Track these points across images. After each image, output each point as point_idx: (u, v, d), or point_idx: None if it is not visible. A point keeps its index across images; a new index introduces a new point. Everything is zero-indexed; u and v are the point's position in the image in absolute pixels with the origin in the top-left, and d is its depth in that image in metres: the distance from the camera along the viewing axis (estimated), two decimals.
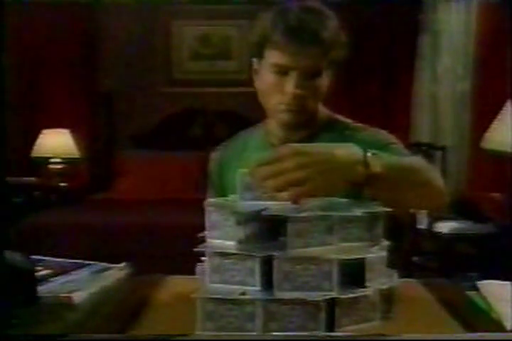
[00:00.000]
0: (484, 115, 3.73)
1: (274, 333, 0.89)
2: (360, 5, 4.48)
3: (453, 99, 4.52)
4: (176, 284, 1.23)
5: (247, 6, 4.54)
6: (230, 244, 0.94)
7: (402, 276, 1.04)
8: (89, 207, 4.08)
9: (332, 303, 0.89)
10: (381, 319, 0.94)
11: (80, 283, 1.15)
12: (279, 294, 0.89)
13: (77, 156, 4.83)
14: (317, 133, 1.49)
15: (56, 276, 1.19)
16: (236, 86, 4.72)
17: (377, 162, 1.02)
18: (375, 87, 4.92)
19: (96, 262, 1.30)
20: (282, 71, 1.40)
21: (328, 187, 0.96)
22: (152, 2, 5.00)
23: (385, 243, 0.98)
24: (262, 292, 0.90)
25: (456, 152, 4.42)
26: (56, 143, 4.72)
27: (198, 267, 1.02)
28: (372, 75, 4.89)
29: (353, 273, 0.91)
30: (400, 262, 1.51)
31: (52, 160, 4.74)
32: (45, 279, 1.16)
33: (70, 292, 1.08)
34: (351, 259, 0.90)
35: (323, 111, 1.53)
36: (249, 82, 1.55)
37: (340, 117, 1.57)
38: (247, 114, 4.46)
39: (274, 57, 1.40)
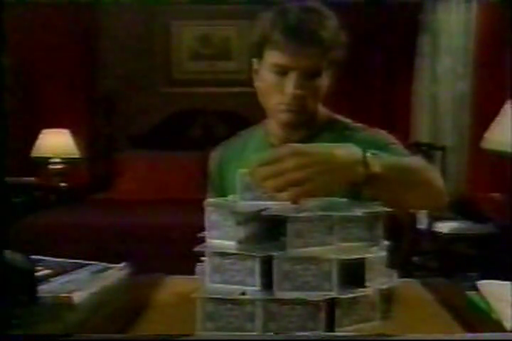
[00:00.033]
0: (484, 115, 3.73)
1: (274, 333, 0.89)
2: (360, 5, 4.48)
3: (453, 99, 4.52)
4: (175, 284, 1.23)
5: (247, 6, 4.55)
6: (229, 244, 0.94)
7: (402, 276, 1.04)
8: (89, 207, 4.08)
9: (332, 303, 0.89)
10: (381, 319, 0.94)
11: (80, 283, 1.15)
12: (279, 294, 0.89)
13: (77, 156, 4.83)
14: (317, 134, 1.49)
15: (56, 276, 1.19)
16: (236, 86, 4.72)
17: (377, 162, 1.02)
18: (374, 87, 4.92)
19: (96, 262, 1.30)
20: (282, 71, 1.40)
21: (328, 188, 0.96)
22: (152, 2, 5.01)
23: (385, 243, 0.98)
24: (261, 292, 0.90)
25: (456, 152, 4.42)
26: (56, 143, 4.72)
27: (198, 267, 1.02)
28: (372, 75, 4.89)
29: (353, 273, 0.91)
30: (400, 262, 1.51)
31: (52, 160, 4.74)
32: (45, 279, 1.16)
33: (70, 292, 1.08)
34: (351, 259, 0.90)
35: (323, 111, 1.53)
36: (249, 82, 1.55)
37: (340, 117, 1.57)
38: (247, 114, 4.46)
39: (273, 57, 1.40)
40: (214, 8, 5.00)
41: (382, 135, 1.49)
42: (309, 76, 1.40)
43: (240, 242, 0.93)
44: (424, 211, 3.22)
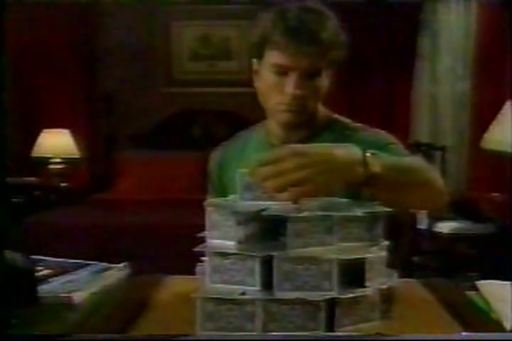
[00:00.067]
0: (484, 115, 3.73)
1: (274, 333, 0.89)
2: (360, 5, 4.48)
3: (453, 99, 4.52)
4: (175, 284, 1.23)
5: (247, 6, 4.55)
6: (230, 244, 0.94)
7: (402, 276, 1.04)
8: (89, 207, 4.08)
9: (332, 303, 0.89)
10: (381, 319, 0.94)
11: (80, 283, 1.15)
12: (279, 294, 0.89)
13: (77, 156, 4.83)
14: (317, 134, 1.49)
15: (56, 276, 1.19)
16: (236, 86, 4.72)
17: (377, 162, 1.02)
18: (374, 87, 4.92)
19: (96, 262, 1.30)
20: (282, 71, 1.40)
21: (328, 188, 0.96)
22: (152, 2, 5.01)
23: (385, 243, 0.98)
24: (262, 292, 0.90)
25: (455, 152, 4.43)
26: (56, 143, 4.73)
27: (198, 267, 1.02)
28: (372, 75, 4.89)
29: (353, 273, 0.91)
30: (400, 262, 1.51)
31: (53, 160, 4.74)
32: (45, 279, 1.16)
33: (70, 292, 1.08)
34: (351, 259, 0.90)
35: (322, 111, 1.53)
36: (249, 82, 1.55)
37: (340, 117, 1.57)
38: (247, 114, 4.46)
39: (273, 57, 1.40)
40: (214, 8, 5.00)
41: (382, 135, 1.49)
42: (309, 76, 1.40)
43: (240, 242, 0.94)
44: (424, 211, 3.22)
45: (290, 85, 1.39)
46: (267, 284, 0.90)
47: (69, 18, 4.80)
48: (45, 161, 4.75)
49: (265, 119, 1.57)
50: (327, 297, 0.88)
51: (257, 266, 0.90)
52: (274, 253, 0.89)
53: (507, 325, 0.98)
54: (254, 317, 0.89)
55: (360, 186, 1.01)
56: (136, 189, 4.50)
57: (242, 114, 4.69)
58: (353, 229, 0.94)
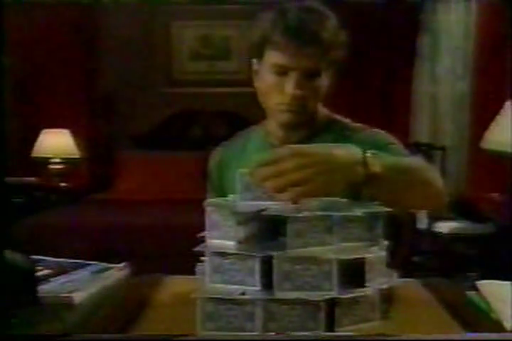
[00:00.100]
0: (484, 115, 3.73)
1: (274, 333, 0.89)
2: (360, 5, 4.48)
3: (452, 99, 4.52)
4: (175, 284, 1.23)
5: (247, 6, 4.55)
6: (230, 244, 0.94)
7: (402, 276, 1.04)
8: (89, 207, 4.08)
9: (332, 303, 0.89)
10: (381, 319, 0.94)
11: (80, 283, 1.15)
12: (279, 294, 0.89)
13: (77, 156, 4.83)
14: (317, 134, 1.49)
15: (56, 276, 1.19)
16: (236, 86, 4.72)
17: (377, 162, 1.02)
18: (374, 87, 4.92)
19: (96, 262, 1.30)
20: (282, 71, 1.40)
21: (328, 188, 0.96)
22: (152, 2, 5.01)
23: (385, 243, 0.98)
24: (261, 292, 0.90)
25: (455, 152, 4.42)
26: (56, 143, 4.73)
27: (198, 267, 1.02)
28: (371, 75, 4.89)
29: (353, 273, 0.91)
30: (400, 262, 1.51)
31: (53, 160, 4.74)
32: (45, 279, 1.16)
33: (70, 292, 1.08)
34: (351, 259, 0.90)
35: (322, 111, 1.53)
36: (249, 82, 1.55)
37: (340, 117, 1.57)
38: (247, 114, 4.46)
39: (273, 57, 1.40)
40: (214, 8, 5.00)
41: (382, 135, 1.49)
42: (309, 76, 1.40)
43: (240, 242, 0.94)
44: (424, 211, 3.22)
45: (290, 85, 1.39)
46: (267, 284, 0.90)
47: (69, 18, 4.80)
48: (45, 161, 4.75)
49: (265, 119, 1.57)
50: (327, 297, 0.88)
51: (256, 266, 0.90)
52: (274, 253, 0.89)
53: (507, 325, 0.98)
54: (254, 317, 0.89)
55: (360, 186, 1.01)
56: (136, 189, 4.50)
57: (242, 114, 4.69)
58: (353, 229, 0.94)
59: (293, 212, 0.90)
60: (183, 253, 1.31)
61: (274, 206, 0.94)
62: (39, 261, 1.27)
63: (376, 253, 0.94)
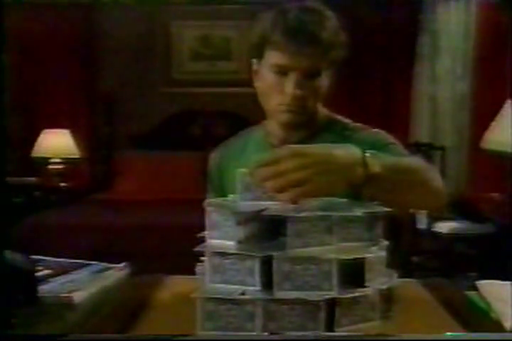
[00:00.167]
0: (483, 115, 3.73)
1: (274, 333, 0.89)
2: (360, 5, 4.49)
3: (452, 99, 4.52)
4: (175, 284, 1.23)
5: (247, 7, 4.55)
6: (230, 244, 0.94)
7: (401, 276, 1.04)
8: (89, 207, 4.08)
9: (332, 303, 0.89)
10: (381, 319, 0.94)
11: (80, 283, 1.15)
12: (279, 294, 0.89)
13: (77, 156, 4.83)
14: (317, 134, 1.49)
15: (56, 276, 1.19)
16: (236, 86, 4.73)
17: (376, 162, 1.02)
18: (374, 88, 4.92)
19: (96, 262, 1.30)
20: (282, 71, 1.40)
21: (328, 188, 0.96)
22: (152, 2, 5.01)
23: (385, 243, 0.98)
24: (261, 292, 0.90)
25: (455, 152, 4.43)
26: (56, 143, 4.73)
27: (198, 267, 1.02)
28: (371, 75, 4.89)
29: (353, 273, 0.91)
30: (400, 262, 1.51)
31: (53, 160, 4.74)
32: (45, 279, 1.16)
33: (70, 292, 1.08)
34: (351, 259, 0.90)
35: (322, 111, 1.53)
36: (249, 83, 1.55)
37: (340, 117, 1.57)
38: (247, 114, 4.46)
39: (273, 57, 1.40)
40: (214, 8, 5.01)
41: (382, 135, 1.49)
42: (309, 76, 1.40)
43: (240, 242, 0.94)
44: (423, 211, 3.23)
45: (290, 85, 1.39)
46: (267, 284, 0.90)
47: (69, 18, 4.80)
48: (45, 161, 4.75)
49: (265, 119, 1.57)
50: (327, 297, 0.88)
51: (256, 266, 0.90)
52: (274, 253, 0.89)
53: (507, 325, 0.98)
54: (254, 317, 0.89)
55: (359, 186, 1.01)
56: (136, 189, 4.50)
57: (242, 114, 4.69)
58: (353, 229, 0.94)
59: (293, 212, 0.90)
60: (183, 253, 1.31)
61: (274, 206, 0.94)
62: (39, 261, 1.27)
63: (376, 253, 0.94)
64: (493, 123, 3.28)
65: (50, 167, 4.75)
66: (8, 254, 1.04)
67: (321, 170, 0.94)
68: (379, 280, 0.94)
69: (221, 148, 1.68)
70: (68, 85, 4.93)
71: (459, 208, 3.62)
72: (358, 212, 0.93)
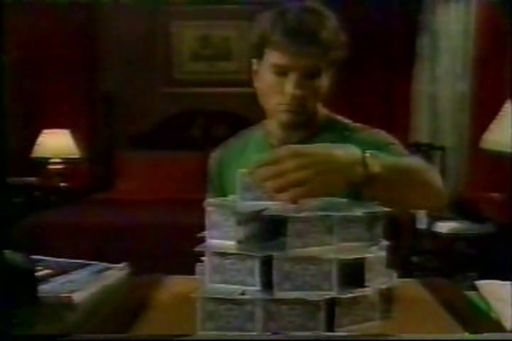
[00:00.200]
0: (483, 115, 3.73)
1: (274, 333, 0.89)
2: (360, 5, 4.49)
3: (452, 99, 4.52)
4: (175, 284, 1.23)
5: (247, 7, 4.55)
6: (230, 244, 0.94)
7: (401, 276, 1.04)
8: (89, 207, 4.08)
9: (332, 303, 0.89)
10: (380, 319, 0.94)
11: (80, 283, 1.15)
12: (279, 294, 0.89)
13: (77, 156, 4.83)
14: (317, 134, 1.49)
15: (56, 276, 1.19)
16: (236, 86, 4.73)
17: (376, 162, 1.02)
18: (374, 87, 4.92)
19: (96, 262, 1.30)
20: (282, 71, 1.40)
21: (328, 188, 0.96)
22: (152, 2, 5.01)
23: (385, 243, 0.98)
24: (261, 292, 0.90)
25: (455, 152, 4.43)
26: (56, 143, 4.73)
27: (198, 267, 1.03)
28: (371, 76, 4.89)
29: (353, 273, 0.91)
30: (400, 262, 1.51)
31: (53, 160, 4.75)
32: (45, 279, 1.16)
33: (70, 292, 1.08)
34: (351, 259, 0.90)
35: (322, 111, 1.53)
36: (249, 83, 1.55)
37: (340, 118, 1.57)
38: (247, 114, 4.46)
39: (273, 57, 1.41)
40: (214, 8, 5.01)
41: (382, 135, 1.49)
42: (309, 76, 1.40)
43: (239, 242, 0.94)
44: (423, 211, 3.23)
45: (290, 85, 1.40)
46: (267, 284, 0.90)
47: (69, 18, 4.80)
48: (45, 161, 4.75)
49: (265, 119, 1.57)
50: (327, 297, 0.88)
51: (256, 266, 0.90)
52: (274, 253, 0.89)
53: (506, 325, 0.98)
54: (254, 317, 0.89)
55: (359, 186, 1.01)
56: (136, 189, 4.50)
57: (242, 114, 4.69)
58: (353, 229, 0.94)
59: (293, 212, 0.90)
60: (183, 253, 1.32)
61: (274, 206, 0.94)
62: (39, 261, 1.27)
63: (376, 253, 0.94)
64: (493, 124, 3.28)
65: (50, 167, 4.76)
66: (8, 254, 1.04)
67: (320, 170, 0.94)
68: (379, 280, 0.94)
69: (221, 148, 1.68)
70: (68, 85, 4.93)
71: (459, 208, 3.62)
72: (358, 212, 0.93)
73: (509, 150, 3.11)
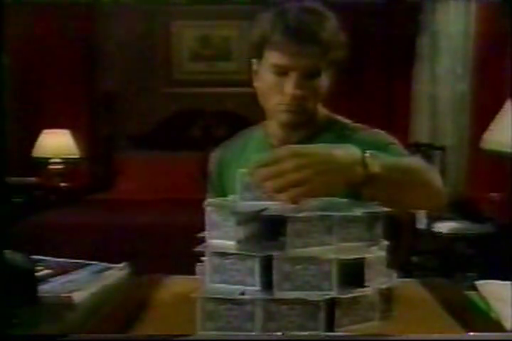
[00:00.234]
0: (483, 115, 3.73)
1: (274, 333, 0.89)
2: (360, 5, 4.49)
3: (452, 99, 4.52)
4: (175, 284, 1.23)
5: (247, 7, 4.54)
6: (230, 244, 0.94)
7: (401, 276, 1.05)
8: (89, 207, 4.08)
9: (331, 303, 0.89)
10: (380, 319, 0.94)
11: (80, 283, 1.15)
12: (279, 294, 0.89)
13: (77, 156, 4.83)
14: (317, 134, 1.49)
15: (56, 276, 1.19)
16: (236, 86, 4.72)
17: (376, 162, 1.02)
18: (374, 88, 4.92)
19: (96, 262, 1.30)
20: (282, 71, 1.40)
21: (327, 188, 0.97)
22: (152, 2, 5.01)
23: (385, 243, 0.98)
24: (261, 292, 0.90)
25: (455, 152, 4.43)
26: (56, 143, 4.73)
27: (198, 267, 1.03)
28: (371, 76, 4.89)
29: (353, 273, 0.91)
30: (400, 262, 1.51)
31: (53, 160, 4.74)
32: (45, 279, 1.16)
33: (70, 292, 1.08)
34: (351, 259, 0.90)
35: (322, 111, 1.53)
36: (249, 83, 1.55)
37: (340, 118, 1.57)
38: (247, 114, 4.47)
39: (273, 57, 1.41)
40: (214, 8, 5.01)
41: (382, 135, 1.49)
42: (309, 76, 1.40)
43: (239, 242, 0.94)
44: (423, 211, 3.23)
45: (290, 85, 1.40)
46: (267, 284, 0.90)
47: (69, 18, 4.80)
48: (45, 161, 4.75)
49: (265, 119, 1.57)
50: (327, 297, 0.88)
51: (256, 266, 0.90)
52: (274, 253, 0.89)
53: (506, 325, 0.98)
54: (254, 317, 0.89)
55: (359, 186, 1.01)
56: (136, 189, 4.50)
57: (242, 114, 4.69)
58: (353, 229, 0.94)
59: (293, 212, 0.90)
60: (183, 253, 1.31)
61: (274, 206, 0.94)
62: (39, 261, 1.27)
63: (376, 253, 0.94)
64: (493, 124, 3.28)
65: (50, 167, 4.75)
66: (8, 254, 1.04)
67: (320, 170, 0.94)
68: (379, 280, 0.94)
69: (221, 148, 1.68)
70: (68, 85, 4.93)
71: (459, 208, 3.62)
72: (358, 212, 0.94)
73: (509, 150, 3.11)
